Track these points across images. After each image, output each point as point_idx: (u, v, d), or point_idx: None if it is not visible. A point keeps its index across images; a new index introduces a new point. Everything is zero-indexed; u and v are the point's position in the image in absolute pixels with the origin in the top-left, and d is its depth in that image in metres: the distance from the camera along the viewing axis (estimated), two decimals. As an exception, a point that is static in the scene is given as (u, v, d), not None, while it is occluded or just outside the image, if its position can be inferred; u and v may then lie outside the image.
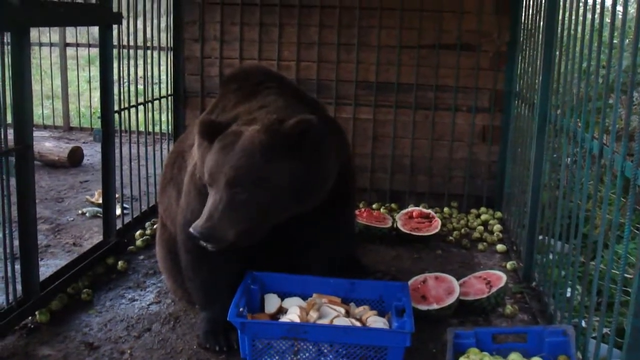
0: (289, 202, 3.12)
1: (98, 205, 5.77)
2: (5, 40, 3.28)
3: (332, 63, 6.04)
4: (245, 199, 3.00)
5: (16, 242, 3.50)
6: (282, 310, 3.45)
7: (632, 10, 4.42)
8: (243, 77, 3.60)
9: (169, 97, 6.10)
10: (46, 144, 7.78)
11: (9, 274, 3.44)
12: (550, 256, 3.96)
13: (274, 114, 3.13)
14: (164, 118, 6.18)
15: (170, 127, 6.20)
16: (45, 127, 9.80)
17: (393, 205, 6.06)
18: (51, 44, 9.97)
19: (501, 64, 5.86)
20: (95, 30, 4.66)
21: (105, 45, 4.42)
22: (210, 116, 3.18)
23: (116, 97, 4.63)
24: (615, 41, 2.98)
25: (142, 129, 5.48)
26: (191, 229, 2.97)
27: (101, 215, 4.80)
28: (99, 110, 4.55)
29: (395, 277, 4.09)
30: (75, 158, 7.66)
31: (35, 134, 3.99)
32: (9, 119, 3.48)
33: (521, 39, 5.38)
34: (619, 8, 2.95)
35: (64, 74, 9.95)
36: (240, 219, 3.00)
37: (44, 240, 5.07)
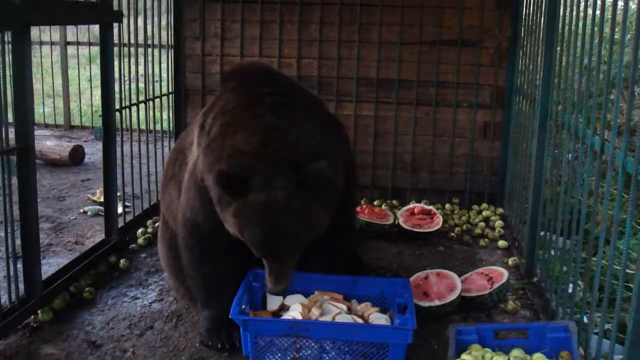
0: (324, 225, 3.21)
1: (100, 203, 5.78)
2: (6, 39, 3.28)
3: (333, 60, 6.03)
4: (299, 254, 3.20)
5: (18, 241, 3.51)
6: (284, 308, 3.46)
7: (633, 5, 4.41)
8: (241, 77, 3.56)
9: (170, 95, 6.10)
10: (47, 143, 7.79)
11: (12, 272, 3.45)
12: (552, 252, 3.96)
13: (284, 162, 3.02)
14: (164, 116, 6.18)
15: (171, 125, 6.20)
16: (46, 125, 9.81)
17: (394, 202, 6.06)
18: (52, 43, 9.97)
19: (502, 60, 5.86)
20: (96, 28, 4.67)
21: (106, 44, 4.42)
22: (224, 167, 3.02)
23: (117, 95, 4.63)
24: (616, 37, 2.97)
25: (143, 127, 5.48)
26: (270, 291, 3.20)
27: (103, 214, 4.80)
28: (100, 109, 4.56)
29: (396, 274, 4.09)
30: (76, 156, 7.66)
31: (37, 132, 4.00)
32: (10, 118, 3.48)
33: (522, 34, 5.37)
34: (620, 3, 2.94)
35: (64, 72, 9.96)
36: (295, 263, 3.22)
37: (46, 239, 5.08)
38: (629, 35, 4.35)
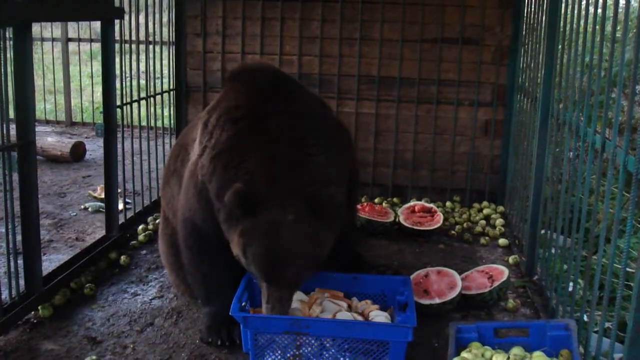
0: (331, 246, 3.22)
1: (100, 200, 5.78)
2: (7, 36, 3.28)
3: (334, 57, 6.03)
4: (304, 280, 3.21)
5: (19, 237, 3.51)
6: (284, 305, 3.45)
7: (634, 3, 4.41)
8: (249, 81, 3.54)
9: (171, 92, 6.10)
10: (48, 139, 7.79)
11: (12, 268, 3.45)
12: (553, 250, 3.96)
13: (299, 190, 3.04)
14: (166, 113, 6.19)
15: (172, 121, 6.21)
16: (47, 122, 9.82)
17: (395, 200, 6.06)
18: (53, 39, 9.97)
19: (503, 57, 5.85)
20: (97, 25, 4.66)
21: (107, 40, 4.42)
22: (242, 187, 3.01)
23: (118, 92, 4.63)
24: (617, 35, 2.97)
25: (144, 123, 5.48)
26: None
27: (103, 210, 4.80)
28: (101, 105, 4.56)
29: (397, 272, 4.09)
30: (77, 153, 7.67)
31: (38, 129, 3.99)
32: (12, 114, 3.48)
33: (523, 32, 5.37)
34: (621, 1, 2.93)
35: (66, 69, 9.96)
36: (292, 294, 3.20)
37: (47, 235, 5.08)
38: (630, 34, 4.35)
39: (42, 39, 10.16)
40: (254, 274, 3.12)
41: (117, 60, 4.60)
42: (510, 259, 4.69)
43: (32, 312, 3.66)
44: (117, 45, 4.58)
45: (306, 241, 3.01)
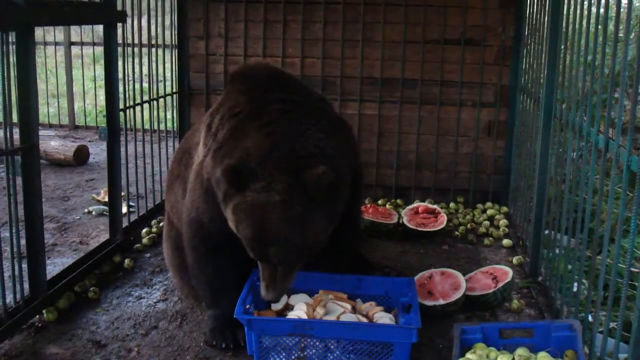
0: (326, 235, 3.18)
1: (104, 203, 5.78)
2: (10, 40, 3.29)
3: (337, 59, 6.03)
4: (294, 264, 3.14)
5: (23, 241, 3.52)
6: (288, 307, 3.45)
7: (637, 3, 4.41)
8: (250, 79, 3.56)
9: (174, 95, 6.11)
10: (52, 143, 7.80)
11: (16, 272, 3.45)
12: (557, 250, 3.95)
13: (290, 165, 3.01)
14: (169, 116, 6.19)
15: (175, 124, 6.22)
16: (50, 126, 9.84)
17: (399, 201, 6.06)
18: (56, 43, 9.98)
19: (506, 58, 5.85)
20: (99, 28, 4.66)
21: (109, 44, 4.43)
22: (232, 162, 3.02)
23: (121, 95, 4.64)
24: (620, 34, 2.96)
25: (147, 126, 5.48)
26: (263, 297, 3.16)
27: (107, 214, 4.80)
28: (104, 109, 4.56)
29: (401, 273, 4.09)
30: (81, 156, 7.68)
31: (41, 132, 3.98)
32: (15, 118, 3.48)
33: (526, 33, 5.37)
34: (624, 1, 2.93)
35: (69, 72, 9.98)
36: (294, 274, 3.19)
37: (51, 238, 5.09)
38: (633, 33, 4.34)
39: (45, 43, 10.17)
40: (247, 250, 3.13)
41: (120, 63, 4.61)
42: (515, 260, 4.69)
43: (37, 316, 3.66)
44: (119, 49, 4.59)
45: (292, 223, 2.96)
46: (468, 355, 3.00)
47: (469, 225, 5.47)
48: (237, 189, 3.00)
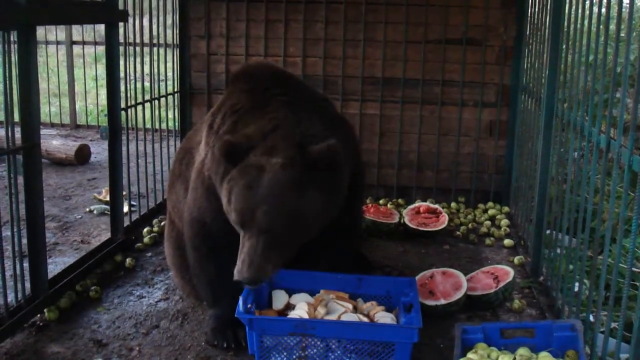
0: (320, 224, 3.12)
1: (105, 202, 5.79)
2: (11, 39, 3.29)
3: (338, 59, 6.03)
4: (280, 238, 2.96)
5: (24, 240, 3.52)
6: (289, 307, 3.45)
7: (638, 2, 4.40)
8: (251, 79, 3.56)
9: (175, 94, 6.11)
10: (53, 142, 7.81)
11: (18, 271, 3.46)
12: (558, 250, 3.95)
13: (292, 139, 3.02)
14: (170, 115, 6.19)
15: (176, 124, 6.22)
16: (52, 125, 9.84)
17: (400, 201, 6.06)
18: (57, 42, 9.99)
19: (507, 58, 5.85)
20: (101, 28, 4.66)
21: (111, 43, 4.43)
22: (230, 137, 3.03)
23: (123, 95, 4.64)
24: (622, 34, 2.96)
25: (148, 126, 5.48)
26: (236, 276, 2.91)
27: (109, 213, 4.81)
28: (106, 108, 4.56)
29: (402, 273, 4.09)
30: (82, 156, 7.68)
31: (43, 132, 4.00)
32: (16, 118, 3.49)
33: (527, 33, 5.36)
34: (625, 1, 2.93)
35: (70, 71, 9.99)
36: (277, 256, 2.99)
37: (52, 238, 5.09)
38: (634, 33, 4.34)
39: (47, 42, 10.19)
40: (234, 223, 3.03)
41: (122, 63, 4.61)
42: (516, 260, 4.69)
43: (38, 315, 3.66)
44: (121, 48, 4.59)
45: (287, 187, 2.91)
46: (469, 355, 3.00)
47: (470, 225, 5.47)
48: (232, 162, 3.00)
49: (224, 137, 3.03)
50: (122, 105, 4.66)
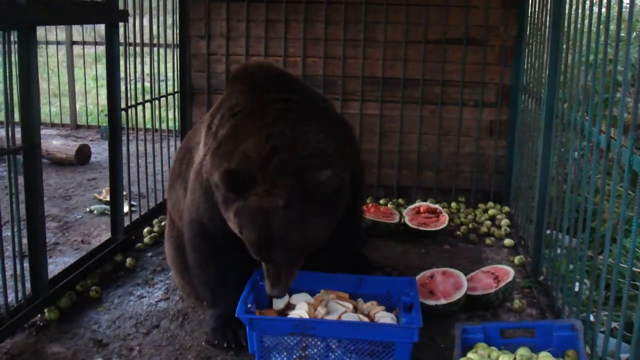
0: (327, 236, 3.20)
1: (106, 202, 5.79)
2: (12, 39, 3.29)
3: (338, 59, 6.03)
4: (296, 263, 3.20)
5: (25, 240, 3.52)
6: (290, 306, 3.45)
7: (639, 2, 4.40)
8: (251, 79, 3.55)
9: (176, 94, 6.11)
10: (54, 142, 7.81)
11: (18, 271, 3.46)
12: (558, 250, 3.95)
13: (289, 169, 3.00)
14: (170, 115, 6.19)
15: (177, 124, 6.22)
16: (52, 125, 9.84)
17: (400, 201, 6.06)
18: (58, 42, 9.98)
19: (508, 58, 5.85)
20: (101, 28, 4.66)
21: (111, 43, 4.43)
22: (229, 166, 3.04)
23: (123, 95, 4.64)
24: (622, 34, 2.96)
25: (148, 126, 5.48)
26: (269, 294, 3.24)
27: (109, 213, 4.81)
28: (106, 108, 4.57)
29: (402, 273, 4.08)
30: (82, 156, 7.68)
31: (43, 132, 4.00)
32: (17, 118, 3.49)
33: (528, 33, 5.36)
34: (626, 0, 2.93)
35: (70, 72, 9.99)
36: (296, 270, 3.26)
37: (53, 238, 5.09)
38: (635, 33, 4.34)
39: (47, 42, 10.20)
40: (250, 252, 3.16)
41: (122, 63, 4.61)
42: (516, 260, 4.68)
43: (38, 315, 3.66)
44: (121, 48, 4.59)
45: (295, 227, 2.98)
46: (469, 355, 3.00)
47: (470, 225, 5.47)
48: (237, 194, 3.00)
49: (224, 167, 3.03)
50: (123, 105, 4.66)
